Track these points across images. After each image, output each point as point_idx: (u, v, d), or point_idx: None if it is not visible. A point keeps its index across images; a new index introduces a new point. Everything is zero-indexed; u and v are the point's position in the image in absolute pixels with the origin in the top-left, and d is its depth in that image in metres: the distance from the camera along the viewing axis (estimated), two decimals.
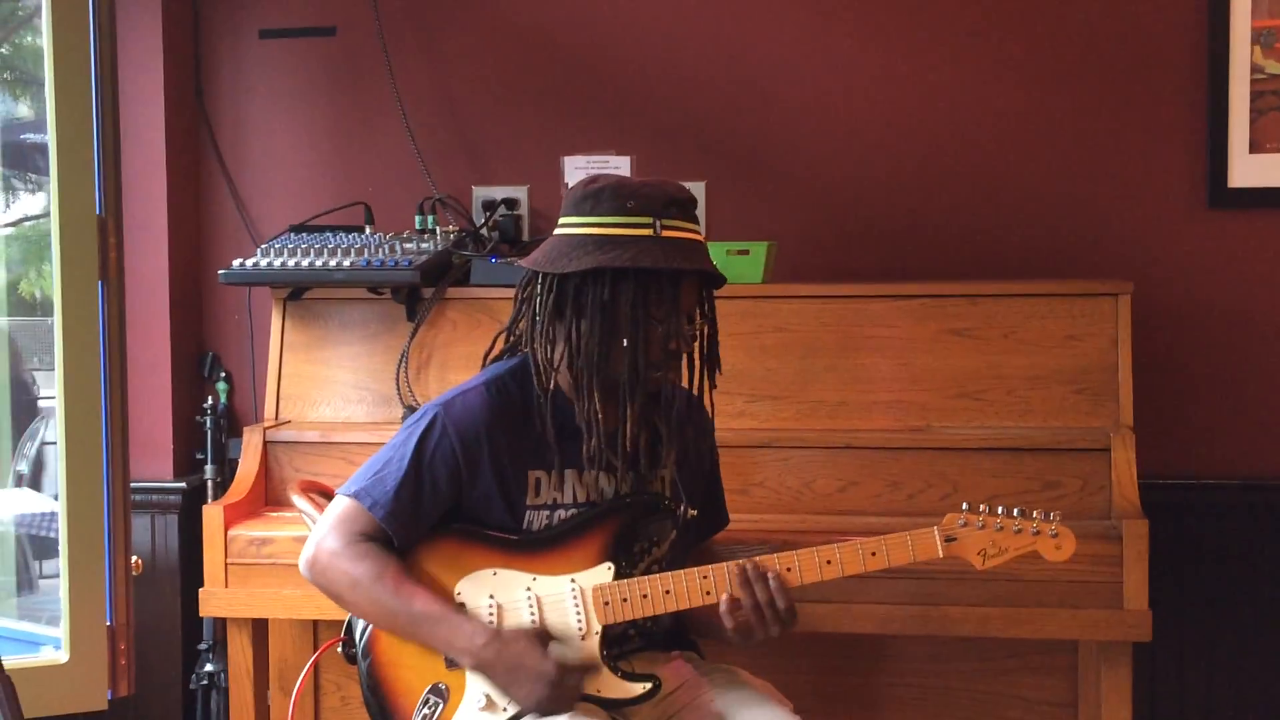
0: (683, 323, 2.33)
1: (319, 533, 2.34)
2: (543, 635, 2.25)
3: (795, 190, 3.55)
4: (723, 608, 2.27)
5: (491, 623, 2.28)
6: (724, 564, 2.30)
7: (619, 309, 2.27)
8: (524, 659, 2.21)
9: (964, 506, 2.28)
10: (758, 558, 2.30)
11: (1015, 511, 2.27)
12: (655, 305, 2.28)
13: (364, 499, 2.30)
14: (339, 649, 2.45)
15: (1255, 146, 3.33)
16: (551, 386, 2.32)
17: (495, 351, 2.48)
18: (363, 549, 2.29)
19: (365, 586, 2.27)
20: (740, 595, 2.26)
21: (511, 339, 2.45)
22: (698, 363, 2.41)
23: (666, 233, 2.28)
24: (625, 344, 2.27)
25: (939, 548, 2.27)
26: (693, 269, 2.30)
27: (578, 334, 2.29)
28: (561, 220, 2.35)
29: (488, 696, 2.26)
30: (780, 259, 3.28)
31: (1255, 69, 3.33)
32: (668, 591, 2.29)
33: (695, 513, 2.44)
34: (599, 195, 2.30)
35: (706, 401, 2.44)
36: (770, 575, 2.26)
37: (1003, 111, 3.46)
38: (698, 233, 2.34)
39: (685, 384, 2.44)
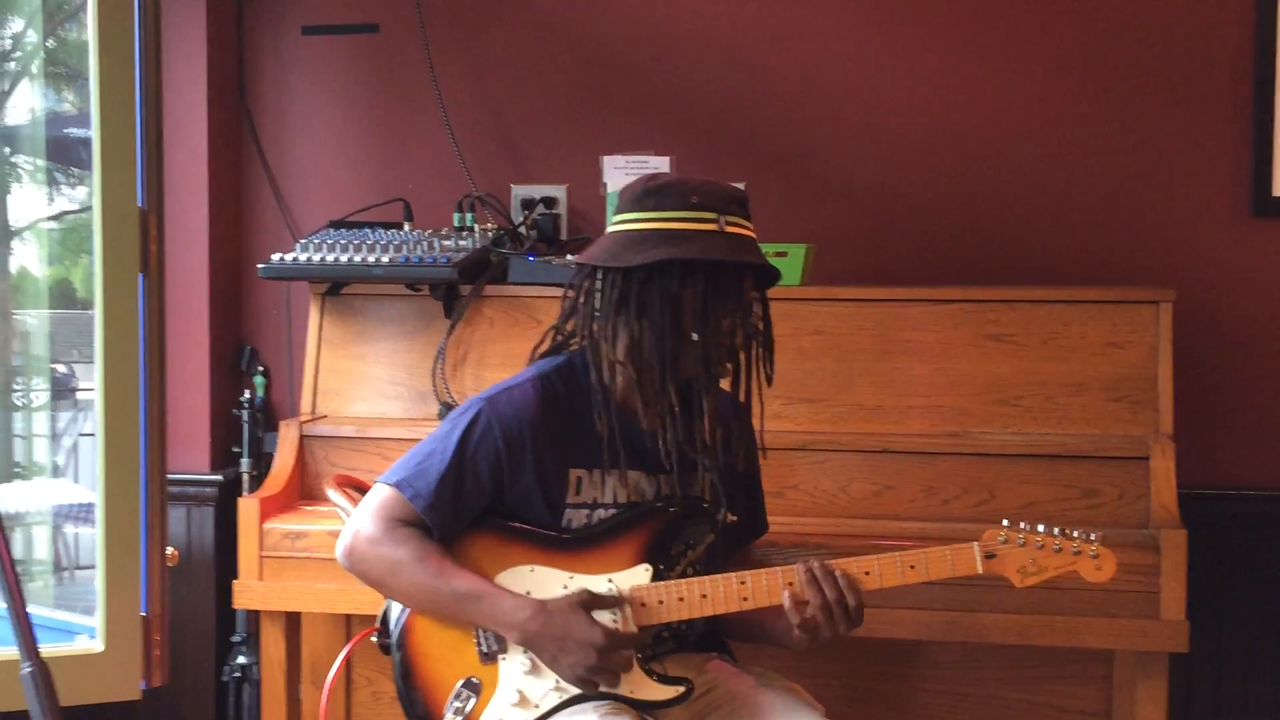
0: (748, 317, 2.33)
1: (357, 520, 2.34)
2: (587, 604, 2.24)
3: (834, 192, 3.54)
4: (788, 604, 2.25)
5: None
6: (761, 570, 2.29)
7: (686, 302, 2.26)
8: (571, 628, 2.20)
9: (1004, 523, 2.26)
10: (831, 561, 2.28)
11: (1056, 530, 2.24)
12: (722, 299, 2.28)
13: (405, 489, 2.30)
14: (373, 639, 2.45)
15: None
16: (613, 384, 2.32)
17: (544, 348, 2.48)
18: (403, 534, 2.29)
19: (406, 569, 2.27)
20: (808, 594, 2.24)
21: (559, 337, 2.45)
22: (745, 363, 2.40)
23: (730, 228, 2.28)
24: (695, 338, 2.26)
25: (978, 564, 2.25)
26: (760, 263, 2.31)
27: (640, 329, 2.28)
28: (619, 218, 2.34)
29: (520, 693, 2.26)
30: (818, 261, 3.27)
31: None
32: (704, 596, 2.28)
33: (735, 518, 2.43)
34: (662, 191, 2.29)
35: (756, 403, 2.42)
36: (839, 574, 2.25)
37: (1044, 116, 3.44)
38: (754, 231, 2.34)
39: (735, 385, 2.42)
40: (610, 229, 2.36)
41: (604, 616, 2.26)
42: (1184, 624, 2.63)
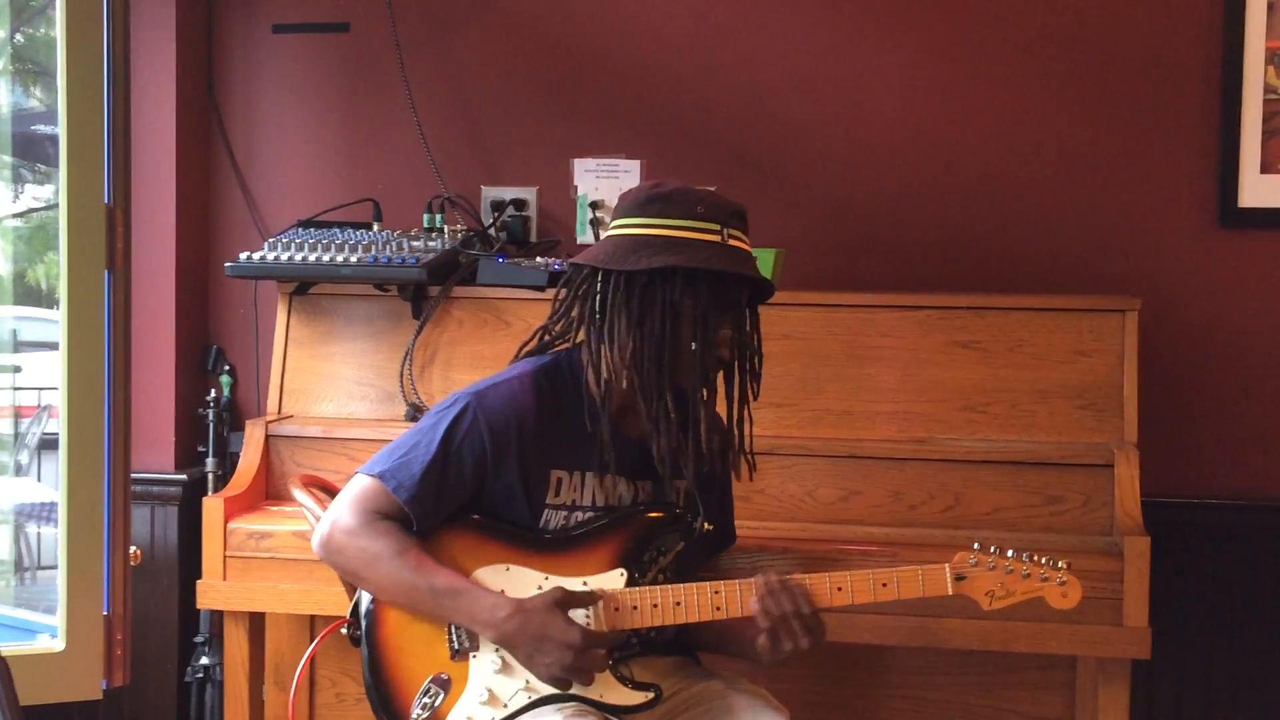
0: (744, 329, 2.34)
1: (335, 510, 2.32)
2: (563, 603, 2.23)
3: (804, 198, 3.54)
4: (756, 609, 2.25)
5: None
6: (735, 581, 2.29)
7: (686, 310, 2.27)
8: (548, 628, 2.20)
9: (975, 545, 2.28)
10: (800, 576, 2.28)
11: (1025, 555, 2.27)
12: (721, 311, 2.29)
13: (388, 480, 2.29)
14: (344, 630, 2.43)
15: (1267, 167, 3.32)
16: (614, 386, 2.31)
17: (531, 347, 2.47)
18: (382, 526, 2.28)
19: (385, 562, 2.26)
20: (768, 607, 2.24)
21: (547, 337, 2.44)
22: (736, 376, 2.39)
23: (732, 241, 2.29)
24: (694, 346, 2.27)
25: (949, 585, 2.27)
26: (759, 278, 2.33)
27: (641, 334, 2.27)
28: (621, 221, 2.33)
29: (490, 691, 2.26)
30: (788, 266, 3.27)
31: (1268, 89, 3.32)
32: (678, 603, 2.28)
33: (711, 526, 2.42)
34: (669, 199, 2.29)
35: (741, 416, 2.42)
36: (794, 585, 2.26)
37: (1015, 125, 3.45)
38: (751, 246, 2.35)
39: (714, 395, 2.41)
40: (610, 232, 2.35)
41: (577, 615, 2.26)
42: (1146, 631, 2.64)
